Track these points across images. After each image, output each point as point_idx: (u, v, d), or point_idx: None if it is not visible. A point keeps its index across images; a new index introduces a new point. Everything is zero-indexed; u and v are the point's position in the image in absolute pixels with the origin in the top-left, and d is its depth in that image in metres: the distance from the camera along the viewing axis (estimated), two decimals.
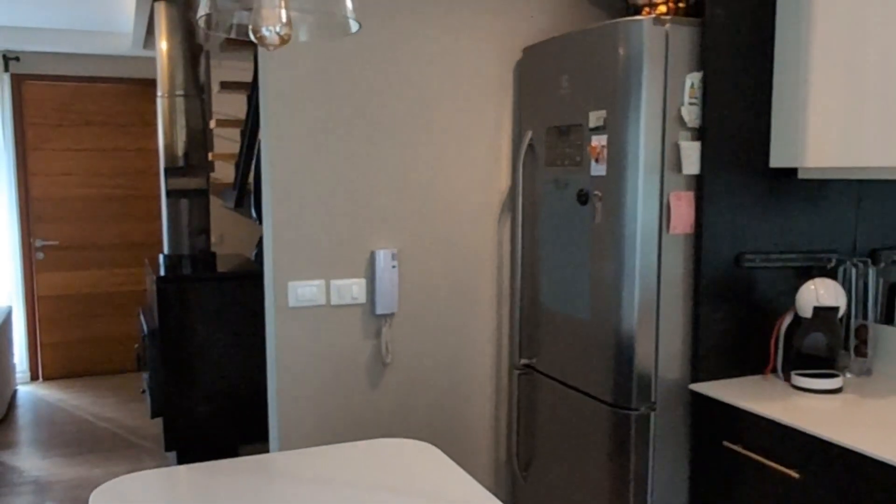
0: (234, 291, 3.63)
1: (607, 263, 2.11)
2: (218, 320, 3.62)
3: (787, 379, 2.09)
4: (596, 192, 2.14)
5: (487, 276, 2.64)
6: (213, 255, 3.96)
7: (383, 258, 2.45)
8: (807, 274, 2.17)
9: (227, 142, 5.18)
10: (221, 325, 3.64)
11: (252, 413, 3.75)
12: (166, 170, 3.78)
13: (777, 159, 2.09)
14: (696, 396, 2.10)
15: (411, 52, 2.46)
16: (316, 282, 2.41)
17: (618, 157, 2.06)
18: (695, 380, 2.11)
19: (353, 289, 2.45)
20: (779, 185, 2.13)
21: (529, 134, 2.48)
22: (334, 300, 2.43)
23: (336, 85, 2.38)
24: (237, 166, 4.62)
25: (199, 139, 3.89)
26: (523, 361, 2.56)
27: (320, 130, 2.37)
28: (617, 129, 2.06)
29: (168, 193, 3.77)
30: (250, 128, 4.20)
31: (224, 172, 5.02)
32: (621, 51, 2.03)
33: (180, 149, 3.83)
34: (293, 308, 2.39)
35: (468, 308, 2.62)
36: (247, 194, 4.21)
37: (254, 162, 2.46)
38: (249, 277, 3.62)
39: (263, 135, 2.36)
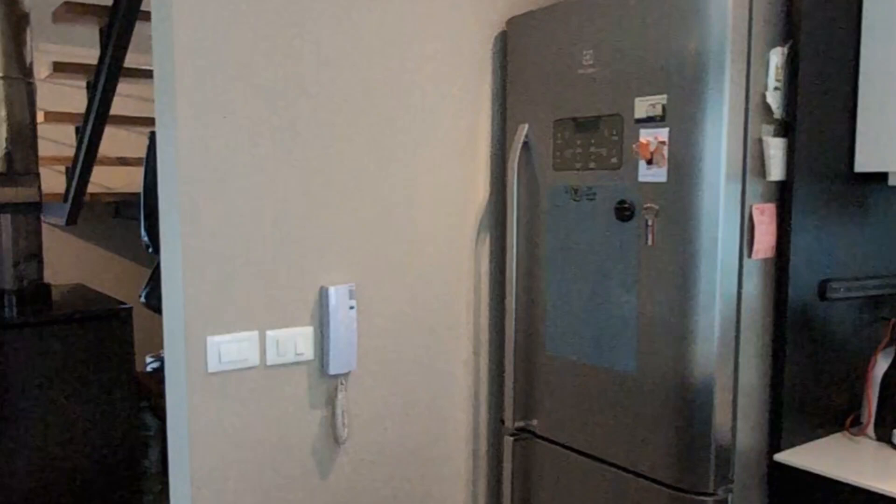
0: (82, 339, 2.78)
1: (667, 299, 1.60)
2: (60, 379, 2.76)
3: (885, 438, 1.68)
4: (649, 205, 1.63)
5: (464, 318, 2.06)
6: (48, 287, 3.06)
7: (337, 297, 1.79)
8: None
9: (49, 143, 4.22)
10: (65, 385, 2.78)
11: (107, 495, 2.90)
12: None
13: (864, 162, 1.68)
14: (781, 469, 1.64)
15: (356, 25, 1.83)
16: (246, 334, 1.71)
17: (686, 157, 1.55)
18: (776, 446, 1.65)
19: (296, 341, 1.78)
20: (865, 193, 1.73)
21: (525, 129, 1.93)
22: (271, 358, 1.75)
23: (267, 67, 1.70)
24: (71, 171, 3.71)
25: (28, 137, 2.98)
26: (518, 424, 1.99)
27: (248, 127, 1.68)
28: (684, 120, 1.55)
29: None
30: (94, 124, 3.34)
31: (47, 181, 4.06)
32: (693, 16, 1.53)
33: (1, 149, 2.90)
34: (214, 374, 1.68)
35: (444, 359, 2.02)
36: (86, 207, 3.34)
37: (142, 182, 1.78)
38: (102, 319, 2.78)
39: (166, 133, 1.64)
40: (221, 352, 1.68)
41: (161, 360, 3.82)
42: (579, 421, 1.82)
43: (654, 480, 1.66)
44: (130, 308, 2.89)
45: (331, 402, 1.84)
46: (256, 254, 1.70)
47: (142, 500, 3.05)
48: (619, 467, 1.74)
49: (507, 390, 1.97)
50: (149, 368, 3.58)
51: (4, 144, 2.89)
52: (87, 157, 3.50)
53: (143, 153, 4.64)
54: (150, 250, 1.75)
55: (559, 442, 1.89)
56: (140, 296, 1.81)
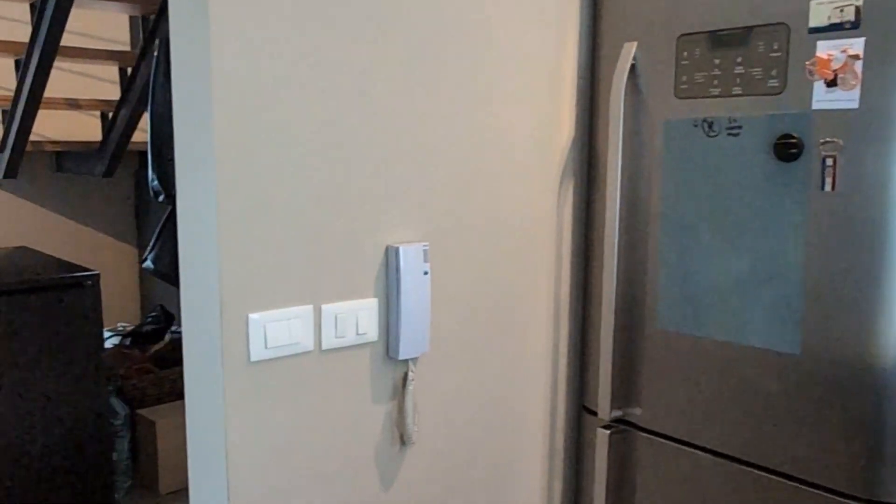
0: (40, 312, 2.31)
1: (850, 259, 1.26)
2: (13, 362, 2.29)
3: None
4: (827, 140, 1.28)
5: (544, 285, 1.69)
6: None
7: (408, 259, 1.40)
8: None
9: None
10: (20, 369, 2.31)
11: (74, 492, 2.46)
12: None
13: None
14: None
15: None
16: (297, 309, 1.30)
17: (892, 74, 1.20)
18: None
19: (358, 318, 1.38)
20: None
21: (633, 49, 1.55)
22: (328, 340, 1.35)
23: None
24: (10, 114, 3.16)
25: None
26: (615, 414, 1.64)
27: (310, 56, 1.25)
28: (890, 25, 1.20)
29: None
30: (42, 54, 2.81)
31: None
32: None
33: None
34: (258, 363, 1.27)
35: (519, 336, 1.65)
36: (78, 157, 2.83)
37: (149, 107, 1.34)
38: (66, 287, 2.31)
39: (192, 50, 1.20)
40: (267, 333, 1.27)
41: (120, 333, 3.34)
42: (705, 411, 1.48)
43: (817, 486, 1.34)
44: (98, 275, 2.42)
45: (397, 393, 1.45)
46: (307, 210, 1.29)
47: (112, 497, 2.61)
48: (763, 469, 1.41)
49: (602, 374, 1.62)
50: (108, 344, 3.11)
51: None
52: (31, 96, 2.96)
53: (99, 93, 4.07)
54: (161, 198, 1.33)
55: (674, 436, 1.55)
56: (145, 259, 1.38)
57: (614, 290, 1.58)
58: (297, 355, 1.32)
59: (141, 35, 3.76)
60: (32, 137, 3.32)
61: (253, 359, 1.26)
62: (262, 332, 1.26)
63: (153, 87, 1.34)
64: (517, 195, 1.59)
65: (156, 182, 1.32)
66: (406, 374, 1.45)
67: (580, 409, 1.80)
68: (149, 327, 3.29)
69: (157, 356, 3.13)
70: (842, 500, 1.32)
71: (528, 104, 1.58)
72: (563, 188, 1.69)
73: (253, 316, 1.25)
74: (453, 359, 1.54)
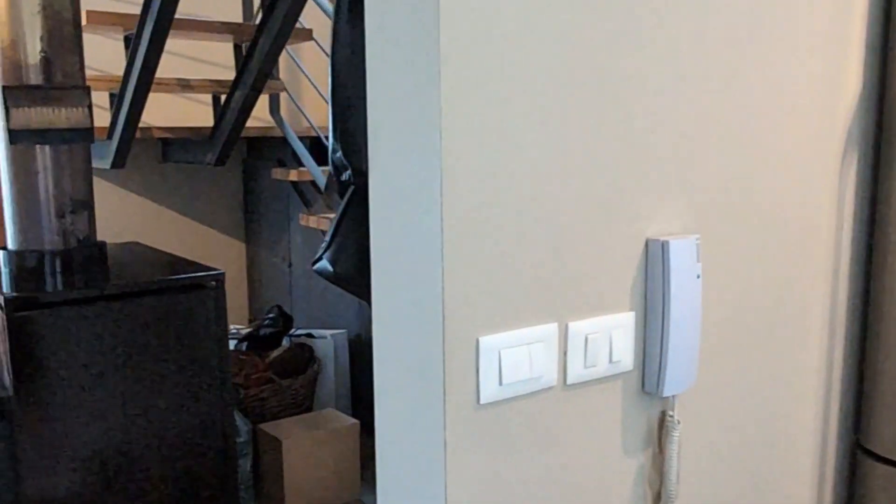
0: (162, 318, 2.03)
1: None
2: (126, 373, 2.02)
3: None
4: None
5: (820, 288, 1.27)
6: (103, 248, 2.30)
7: (679, 257, 1.01)
8: None
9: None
10: (136, 379, 2.04)
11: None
12: (4, 90, 2.06)
13: None
14: None
15: None
16: (538, 330, 0.93)
17: None
18: None
19: (611, 339, 1.00)
20: None
21: None
22: (575, 371, 0.97)
23: None
24: (118, 98, 2.92)
25: (71, 38, 2.18)
26: None
27: (548, 26, 0.88)
28: None
29: (12, 135, 2.07)
30: (155, 28, 2.55)
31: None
32: None
33: (33, 52, 2.11)
34: (490, 406, 0.91)
35: (789, 358, 1.24)
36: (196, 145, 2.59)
37: (330, 55, 1.02)
38: (189, 290, 2.02)
39: (399, 23, 0.85)
40: (503, 363, 0.90)
41: (234, 337, 3.07)
42: None
43: None
44: (223, 275, 2.13)
45: (651, 440, 1.07)
46: (552, 190, 0.92)
47: None
48: None
49: None
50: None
51: (39, 46, 2.09)
52: (142, 75, 2.71)
53: (209, 73, 3.83)
54: (346, 176, 0.98)
55: None
56: (318, 258, 1.04)
57: None
58: (536, 393, 0.95)
59: (254, 6, 3.48)
60: (140, 124, 3.08)
61: (483, 400, 0.90)
62: (496, 361, 0.90)
63: (334, 29, 1.00)
64: (795, 171, 1.19)
65: (339, 153, 0.97)
66: (664, 415, 1.07)
67: (854, 447, 1.37)
68: (266, 330, 3.02)
69: (276, 363, 2.84)
70: None
71: (809, 54, 1.17)
72: (847, 161, 1.27)
73: (485, 340, 0.89)
74: (719, 391, 1.14)
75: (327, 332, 3.25)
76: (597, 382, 1.00)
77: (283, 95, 3.51)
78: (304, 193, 3.65)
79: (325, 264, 1.06)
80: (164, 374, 2.09)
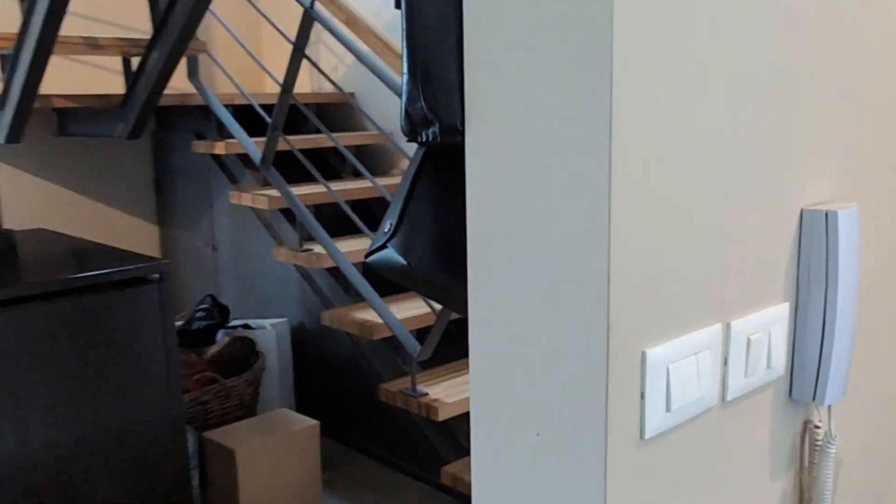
0: (80, 317, 1.70)
1: None
2: (59, 380, 1.69)
3: None
4: None
5: None
6: (10, 236, 1.91)
7: (844, 231, 0.81)
8: None
9: None
10: (71, 387, 1.71)
11: None
12: None
13: None
14: None
15: None
16: (702, 335, 0.71)
17: None
18: None
19: (770, 338, 0.79)
20: None
21: None
22: (735, 383, 0.76)
23: None
24: (12, 59, 2.51)
25: None
26: None
27: None
28: None
29: None
30: None
31: None
32: None
33: None
34: (655, 440, 0.68)
35: None
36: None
37: (405, 8, 0.76)
38: (128, 285, 1.69)
39: None
40: (671, 382, 0.68)
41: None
42: None
43: None
44: (167, 265, 1.81)
45: (795, 458, 0.87)
46: (714, 160, 0.69)
47: None
48: None
49: None
50: None
51: None
52: (44, 33, 2.31)
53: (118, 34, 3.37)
54: (429, 135, 0.72)
55: None
56: (382, 245, 0.78)
57: None
58: (699, 416, 0.73)
59: None
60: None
61: (648, 433, 0.67)
62: (664, 380, 0.67)
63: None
64: None
65: (421, 103, 0.71)
66: (811, 428, 0.87)
67: None
68: (200, 324, 2.68)
69: (215, 361, 2.52)
70: None
71: None
72: None
73: (652, 353, 0.66)
74: (869, 397, 0.96)
75: (266, 322, 2.94)
76: (752, 394, 0.79)
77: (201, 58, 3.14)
78: (230, 168, 3.29)
79: (390, 255, 0.80)
80: (101, 384, 1.76)
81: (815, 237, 0.81)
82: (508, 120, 0.67)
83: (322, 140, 3.18)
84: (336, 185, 2.94)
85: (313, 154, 3.17)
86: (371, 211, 3.12)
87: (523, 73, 0.65)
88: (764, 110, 0.74)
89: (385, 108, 3.22)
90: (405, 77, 0.74)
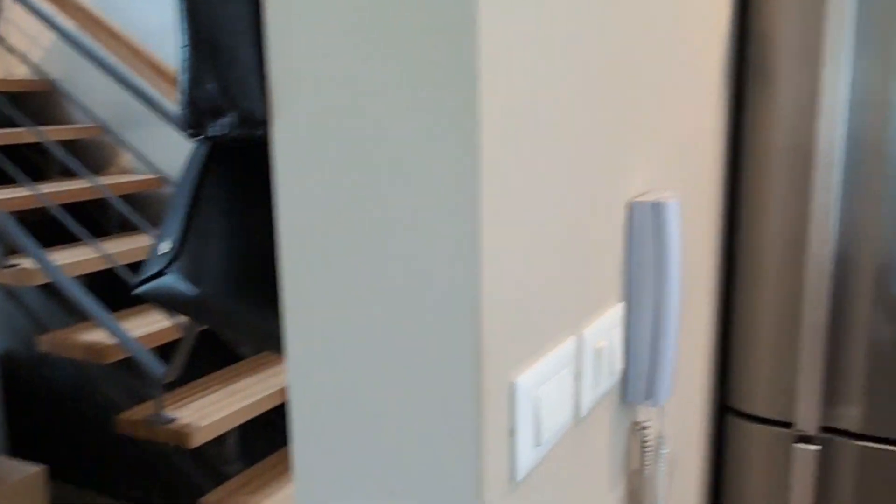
0: None
1: None
2: None
3: None
4: None
5: (709, 243, 1.14)
6: None
7: (673, 223, 0.77)
8: None
9: None
10: None
11: None
12: None
13: None
14: None
15: None
16: (563, 349, 0.63)
17: None
18: None
19: (612, 343, 0.73)
20: None
21: None
22: (588, 396, 0.69)
23: None
24: None
25: None
26: (824, 425, 1.17)
27: None
28: None
29: None
30: None
31: None
32: None
33: None
34: (529, 478, 0.59)
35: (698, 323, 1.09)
36: None
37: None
38: None
39: None
40: (540, 412, 0.58)
41: None
42: None
43: None
44: None
45: (631, 464, 0.83)
46: (556, 165, 0.61)
47: None
48: None
49: (805, 363, 1.13)
50: None
51: None
52: None
53: None
54: (219, 129, 0.55)
55: None
56: (159, 273, 0.59)
57: (834, 236, 1.09)
58: (560, 441, 0.65)
59: None
60: None
61: (521, 475, 0.57)
62: (533, 411, 0.58)
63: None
64: (701, 119, 1.02)
65: (213, 84, 0.52)
66: (643, 430, 0.84)
67: (725, 413, 1.29)
68: None
69: None
70: None
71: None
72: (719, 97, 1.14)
73: (522, 382, 0.56)
74: (685, 394, 0.95)
75: None
76: (597, 405, 0.73)
77: None
78: None
79: (171, 283, 0.61)
80: None
81: (643, 230, 0.77)
82: (337, 104, 0.53)
83: (20, 135, 2.72)
84: (44, 187, 2.52)
85: (10, 151, 2.70)
86: (90, 215, 2.73)
87: (364, 40, 0.51)
88: (594, 106, 0.67)
89: (100, 96, 2.83)
90: (185, 50, 0.56)
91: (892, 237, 1.08)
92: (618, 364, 0.75)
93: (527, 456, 0.58)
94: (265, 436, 2.42)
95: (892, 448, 1.14)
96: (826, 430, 1.17)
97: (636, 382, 0.79)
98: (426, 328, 0.53)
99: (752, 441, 1.24)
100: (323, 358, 0.57)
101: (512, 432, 0.56)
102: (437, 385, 0.53)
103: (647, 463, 0.83)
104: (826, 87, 1.07)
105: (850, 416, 1.15)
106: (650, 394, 0.79)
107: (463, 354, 0.52)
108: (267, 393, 2.31)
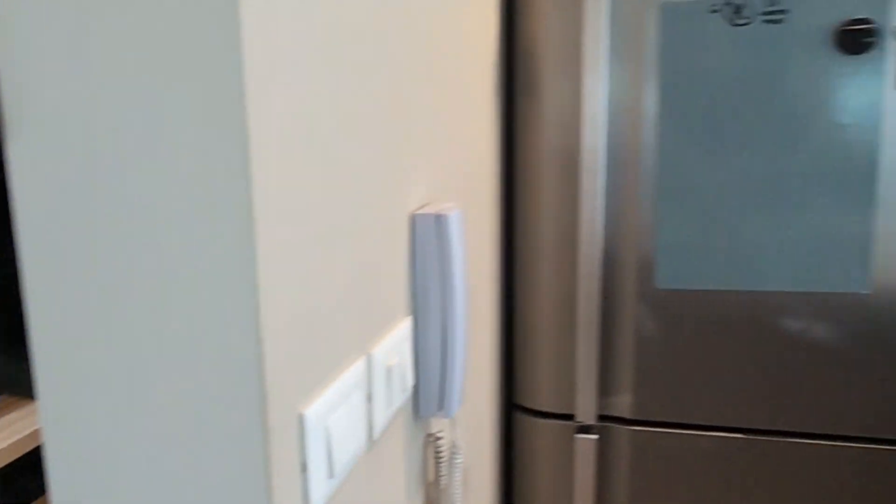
0: None
1: None
2: None
3: None
4: None
5: (488, 250, 1.17)
6: None
7: (457, 235, 0.78)
8: None
9: None
10: None
11: None
12: None
13: None
14: None
15: None
16: (353, 371, 0.61)
17: None
18: None
19: (403, 360, 0.72)
20: None
21: None
22: (380, 417, 0.67)
23: None
24: None
25: None
26: (601, 413, 1.24)
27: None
28: None
29: None
30: None
31: None
32: None
33: None
34: None
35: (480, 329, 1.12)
36: None
37: None
38: None
39: None
40: (332, 442, 0.56)
41: None
42: (726, 384, 1.19)
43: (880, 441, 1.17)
44: None
45: (425, 474, 0.83)
46: (336, 175, 0.60)
47: None
48: (815, 436, 1.19)
49: (581, 357, 1.20)
50: None
51: None
52: None
53: None
54: None
55: (682, 423, 1.22)
56: None
57: (599, 235, 1.17)
58: (354, 468, 0.63)
59: None
60: None
61: None
62: (325, 442, 0.55)
63: None
64: (469, 132, 1.04)
65: None
66: (436, 442, 0.84)
67: (510, 409, 1.34)
68: None
69: None
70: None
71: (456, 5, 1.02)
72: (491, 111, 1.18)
73: (312, 413, 0.53)
74: (474, 396, 0.96)
75: None
76: (390, 425, 0.72)
77: None
78: None
79: None
80: None
81: (427, 242, 0.76)
82: (89, 119, 0.47)
83: None
84: None
85: None
86: None
87: (116, 44, 0.46)
88: (372, 125, 0.66)
89: None
90: None
91: (651, 235, 1.17)
92: (409, 380, 0.74)
93: (321, 490, 0.55)
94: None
95: (658, 430, 1.24)
96: (602, 418, 1.25)
97: (428, 396, 0.79)
98: (203, 369, 0.48)
99: (539, 435, 1.29)
100: (82, 405, 0.50)
101: (304, 468, 0.53)
102: (219, 428, 0.49)
103: (442, 474, 0.83)
104: (587, 98, 1.14)
105: (623, 404, 1.24)
106: (442, 405, 0.79)
107: (246, 392, 0.48)
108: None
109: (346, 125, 0.59)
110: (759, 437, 1.20)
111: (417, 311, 0.77)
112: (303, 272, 0.52)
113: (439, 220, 0.76)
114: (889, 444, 1.16)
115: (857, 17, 1.06)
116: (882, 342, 1.13)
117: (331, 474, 0.56)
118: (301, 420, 0.53)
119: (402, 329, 0.73)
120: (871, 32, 1.06)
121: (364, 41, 0.62)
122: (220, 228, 0.46)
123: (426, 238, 0.76)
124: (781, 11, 1.09)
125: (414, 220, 0.76)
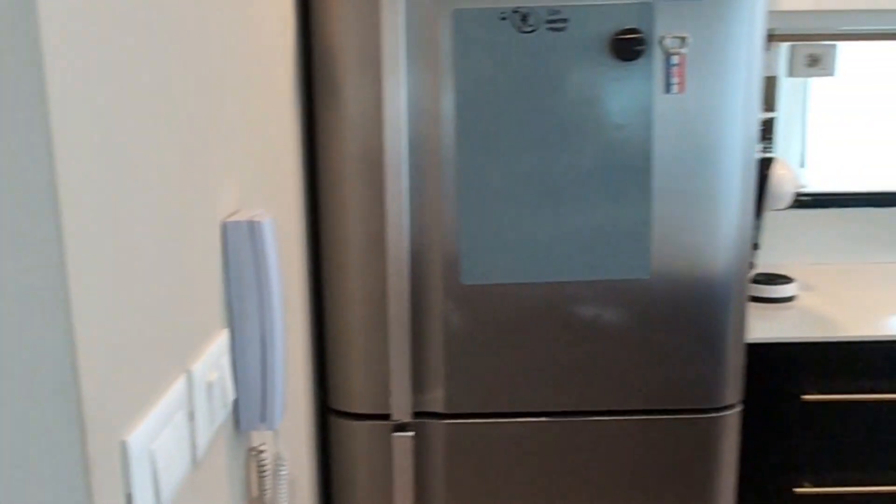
0: None
1: (710, 171, 1.21)
2: None
3: None
4: (675, 35, 1.17)
5: (295, 252, 1.15)
6: None
7: (272, 242, 0.76)
8: None
9: None
10: None
11: None
12: None
13: None
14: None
15: None
16: (174, 391, 0.58)
17: None
18: None
19: (223, 375, 0.70)
20: None
21: None
22: (202, 436, 0.64)
23: None
24: None
25: None
26: (416, 409, 1.26)
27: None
28: None
29: None
30: None
31: None
32: None
33: None
34: None
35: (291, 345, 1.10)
36: None
37: None
38: None
39: None
40: (158, 467, 0.53)
41: None
42: (531, 369, 1.26)
43: (666, 412, 1.30)
44: None
45: (248, 485, 0.81)
46: (140, 188, 0.57)
47: None
48: (608, 413, 1.29)
49: (394, 356, 1.22)
50: None
51: None
52: None
53: None
54: None
55: (491, 412, 1.28)
56: None
57: (406, 240, 1.19)
58: (180, 491, 0.60)
59: None
60: None
61: None
62: (151, 468, 0.52)
63: None
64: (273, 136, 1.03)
65: None
66: (259, 455, 0.81)
67: (323, 411, 1.33)
68: None
69: None
70: (689, 416, 1.30)
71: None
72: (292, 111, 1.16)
73: (135, 440, 0.50)
74: (291, 405, 0.94)
75: None
76: (212, 442, 0.69)
77: None
78: None
79: None
80: None
81: (241, 251, 0.74)
82: None
83: None
84: None
85: None
86: None
87: None
88: (176, 137, 0.63)
89: None
90: None
91: (455, 233, 1.21)
92: (230, 395, 0.72)
93: None
94: None
95: (471, 421, 1.28)
96: (418, 415, 1.28)
97: (249, 409, 0.77)
98: (17, 398, 0.44)
99: (355, 438, 1.29)
100: None
101: (129, 499, 0.50)
102: (37, 462, 0.45)
103: (266, 488, 0.81)
104: (387, 101, 1.16)
105: (436, 399, 1.27)
106: (264, 418, 0.77)
107: (63, 421, 0.44)
108: None
109: (143, 133, 0.56)
110: (560, 420, 1.28)
111: (234, 323, 0.75)
112: (115, 289, 0.49)
113: (253, 228, 0.74)
114: (667, 414, 1.29)
115: (628, 26, 1.17)
116: (661, 322, 1.25)
117: (158, 501, 0.53)
118: (124, 447, 0.49)
119: (220, 342, 0.70)
120: (640, 41, 1.17)
121: (156, 45, 0.59)
122: (27, 250, 0.42)
123: (239, 246, 0.74)
124: (563, 20, 1.17)
125: (226, 228, 0.73)
